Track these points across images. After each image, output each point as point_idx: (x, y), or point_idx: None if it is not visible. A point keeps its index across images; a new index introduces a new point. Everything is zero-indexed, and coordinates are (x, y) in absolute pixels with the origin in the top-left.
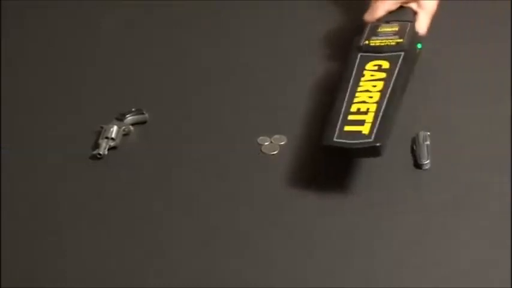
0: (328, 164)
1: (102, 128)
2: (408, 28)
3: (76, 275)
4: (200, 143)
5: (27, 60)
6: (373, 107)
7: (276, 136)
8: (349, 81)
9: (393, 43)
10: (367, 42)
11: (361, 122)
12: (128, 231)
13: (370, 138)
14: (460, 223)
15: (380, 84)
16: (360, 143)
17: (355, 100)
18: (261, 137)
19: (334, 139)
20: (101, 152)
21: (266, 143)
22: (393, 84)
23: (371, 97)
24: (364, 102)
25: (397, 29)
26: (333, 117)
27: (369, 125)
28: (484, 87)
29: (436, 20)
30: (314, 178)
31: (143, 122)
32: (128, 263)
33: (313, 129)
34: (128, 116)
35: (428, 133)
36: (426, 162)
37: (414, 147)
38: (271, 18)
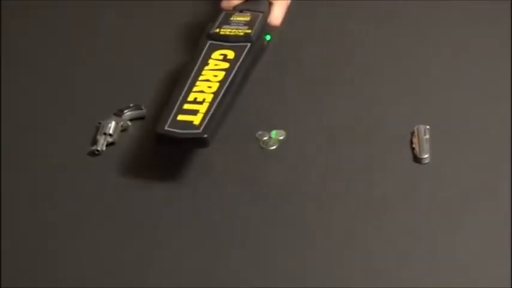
0: (326, 160)
1: (100, 123)
2: (259, 19)
3: (74, 273)
4: None
5: (26, 57)
6: (209, 97)
7: (275, 130)
8: (193, 69)
9: (241, 33)
10: (217, 30)
11: (195, 112)
12: (127, 228)
13: (199, 129)
14: (460, 218)
15: (221, 75)
16: (188, 133)
17: (194, 89)
18: (259, 132)
19: (166, 127)
20: (99, 148)
21: (265, 138)
22: (233, 76)
23: (210, 87)
24: (202, 92)
25: (248, 19)
26: (170, 105)
27: (201, 115)
28: (484, 81)
29: (434, 18)
30: (314, 172)
31: (141, 118)
32: (126, 260)
33: (313, 123)
34: (126, 111)
35: (428, 127)
36: (426, 156)
37: (414, 141)
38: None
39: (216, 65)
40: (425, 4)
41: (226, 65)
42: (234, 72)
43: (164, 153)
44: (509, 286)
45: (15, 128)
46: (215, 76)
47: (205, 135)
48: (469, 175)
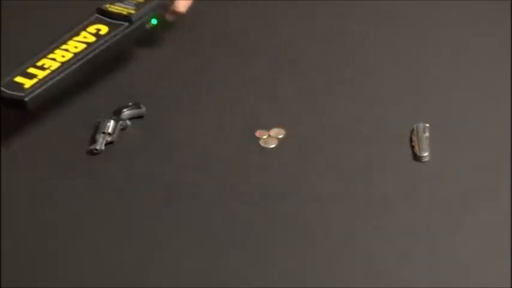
0: (326, 158)
1: (99, 122)
2: (152, 2)
3: (74, 273)
4: (198, 136)
5: (26, 57)
6: (54, 65)
7: (275, 129)
8: (60, 37)
9: (125, 12)
10: (108, 5)
11: (32, 76)
12: (126, 227)
13: (23, 92)
14: (460, 217)
15: (81, 47)
16: (12, 94)
17: (49, 56)
18: (259, 130)
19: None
20: (97, 147)
21: (264, 136)
22: (90, 51)
23: (63, 56)
24: (53, 59)
25: (142, 1)
26: (19, 66)
27: (35, 80)
28: (483, 80)
29: (434, 18)
30: (313, 171)
31: (140, 117)
32: (126, 260)
33: (312, 121)
34: (124, 110)
35: (428, 125)
36: (425, 154)
37: (413, 139)
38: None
39: (84, 37)
40: (425, 4)
41: (92, 39)
42: (93, 47)
43: (163, 153)
44: (509, 286)
45: (15, 128)
46: (75, 47)
47: (25, 99)
48: (469, 174)
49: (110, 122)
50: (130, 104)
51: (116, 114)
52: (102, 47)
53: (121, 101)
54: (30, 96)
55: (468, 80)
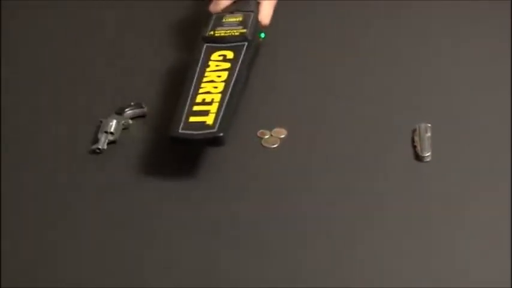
0: (327, 158)
1: (101, 122)
2: (251, 18)
3: (75, 273)
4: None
5: (26, 56)
6: (217, 97)
7: (276, 129)
8: (195, 72)
9: (237, 33)
10: (212, 32)
11: (206, 113)
12: (128, 227)
13: (214, 128)
14: (461, 216)
15: (224, 75)
16: (203, 133)
17: (201, 91)
18: (261, 130)
19: (180, 130)
20: (100, 147)
21: (266, 136)
22: (237, 74)
23: (216, 87)
24: (208, 92)
25: (241, 19)
26: (180, 108)
27: (213, 115)
28: (484, 80)
29: (434, 18)
30: (315, 170)
31: (142, 116)
32: (126, 260)
33: (314, 121)
34: (127, 110)
35: (429, 125)
36: (427, 154)
37: (415, 139)
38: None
39: (217, 66)
40: (425, 4)
41: (227, 65)
42: (237, 70)
43: (164, 153)
44: (509, 286)
45: (16, 127)
46: (218, 76)
47: (221, 134)
48: (470, 173)
49: (112, 121)
50: (132, 103)
51: (118, 114)
52: (243, 68)
53: (123, 101)
54: (224, 131)
55: (469, 80)
